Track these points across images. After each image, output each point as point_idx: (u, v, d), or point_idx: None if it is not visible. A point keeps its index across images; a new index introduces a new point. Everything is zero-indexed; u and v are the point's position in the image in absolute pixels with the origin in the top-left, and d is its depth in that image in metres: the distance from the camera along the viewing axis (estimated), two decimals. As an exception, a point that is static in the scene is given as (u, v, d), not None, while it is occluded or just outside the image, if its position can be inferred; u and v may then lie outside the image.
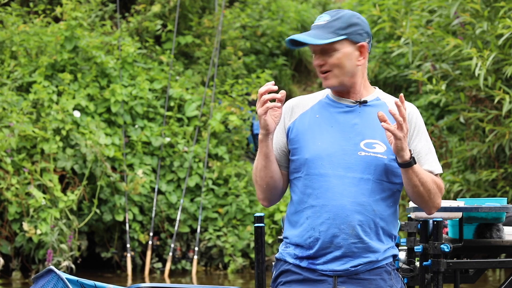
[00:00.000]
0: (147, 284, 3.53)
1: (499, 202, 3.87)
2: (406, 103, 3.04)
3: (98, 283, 3.40)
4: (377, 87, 3.29)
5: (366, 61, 3.17)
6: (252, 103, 10.86)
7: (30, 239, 8.65)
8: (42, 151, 8.94)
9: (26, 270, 8.95)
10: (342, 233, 3.01)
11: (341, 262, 3.03)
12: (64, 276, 3.33)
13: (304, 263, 3.08)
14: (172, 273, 9.34)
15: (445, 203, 3.71)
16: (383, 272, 3.06)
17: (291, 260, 3.11)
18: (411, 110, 3.10)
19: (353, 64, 3.12)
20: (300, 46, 3.11)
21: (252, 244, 9.30)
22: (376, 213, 3.03)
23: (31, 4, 11.26)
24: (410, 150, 2.96)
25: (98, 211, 9.17)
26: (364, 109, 3.17)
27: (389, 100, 3.19)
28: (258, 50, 12.87)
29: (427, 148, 3.08)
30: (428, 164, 3.06)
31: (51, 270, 3.36)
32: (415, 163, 2.96)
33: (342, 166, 3.03)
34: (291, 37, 3.09)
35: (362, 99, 3.19)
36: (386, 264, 3.08)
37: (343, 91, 3.18)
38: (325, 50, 3.08)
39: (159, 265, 9.44)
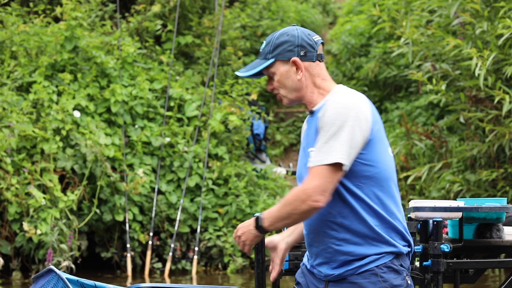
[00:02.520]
0: (147, 284, 3.53)
1: (499, 202, 3.87)
2: (330, 101, 3.06)
3: (98, 283, 3.40)
4: (335, 88, 3.21)
5: (307, 72, 3.20)
6: (252, 103, 10.86)
7: (30, 239, 8.65)
8: (42, 151, 8.94)
9: (26, 270, 8.95)
10: (314, 242, 3.16)
11: (326, 267, 3.13)
12: (64, 276, 3.33)
13: (308, 265, 3.28)
14: (172, 273, 9.34)
15: (445, 203, 3.71)
16: (371, 276, 3.08)
17: (304, 260, 3.35)
18: (325, 109, 3.06)
19: (294, 80, 3.19)
20: (255, 76, 3.28)
21: (252, 244, 9.29)
22: (334, 215, 3.08)
23: (31, 4, 11.27)
24: (257, 220, 3.12)
25: (98, 211, 9.17)
26: (312, 119, 3.20)
27: (325, 108, 3.11)
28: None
29: (317, 145, 3.03)
30: (310, 162, 3.05)
31: (51, 270, 3.36)
32: (264, 224, 3.12)
33: (300, 179, 3.18)
34: (236, 73, 3.31)
35: (313, 109, 3.21)
36: (376, 266, 3.08)
37: (304, 104, 3.26)
38: (268, 75, 3.23)
39: (159, 265, 9.44)
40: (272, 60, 3.21)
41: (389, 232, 3.11)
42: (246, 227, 3.18)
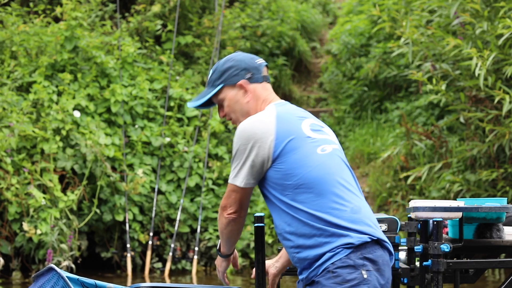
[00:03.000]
0: (148, 283, 3.54)
1: (499, 202, 3.87)
2: (239, 124, 3.27)
3: (98, 282, 3.41)
4: (273, 103, 3.37)
5: (254, 94, 3.35)
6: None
7: (30, 239, 8.65)
8: (42, 151, 8.94)
9: (26, 270, 8.95)
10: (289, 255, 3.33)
11: (301, 274, 3.27)
12: (65, 274, 3.33)
13: None
14: (172, 273, 9.34)
15: (445, 203, 3.71)
16: (327, 273, 3.13)
17: None
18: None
19: (242, 104, 3.35)
20: (206, 106, 3.46)
21: (252, 244, 9.30)
22: (282, 226, 3.24)
23: (31, 4, 11.27)
24: (218, 251, 3.57)
25: (98, 211, 9.17)
26: None
27: None
28: (258, 50, 12.87)
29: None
30: None
31: (51, 269, 3.36)
32: (220, 248, 3.55)
33: None
34: (187, 104, 3.55)
35: None
36: (331, 263, 3.12)
37: None
38: (218, 103, 3.39)
39: (159, 265, 9.44)
40: (220, 86, 3.35)
41: (334, 227, 3.14)
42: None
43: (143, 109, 9.93)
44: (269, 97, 3.37)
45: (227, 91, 3.36)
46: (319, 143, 3.24)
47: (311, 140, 3.23)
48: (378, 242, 3.16)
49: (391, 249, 3.22)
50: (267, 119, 3.22)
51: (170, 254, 9.36)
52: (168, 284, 3.52)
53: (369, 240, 3.12)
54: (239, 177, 3.24)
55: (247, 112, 3.34)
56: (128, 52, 10.19)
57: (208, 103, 3.42)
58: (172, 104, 10.17)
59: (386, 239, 3.20)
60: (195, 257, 9.36)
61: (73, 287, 3.35)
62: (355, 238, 3.11)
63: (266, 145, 3.19)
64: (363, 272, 3.10)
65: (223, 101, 3.37)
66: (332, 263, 3.11)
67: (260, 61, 3.41)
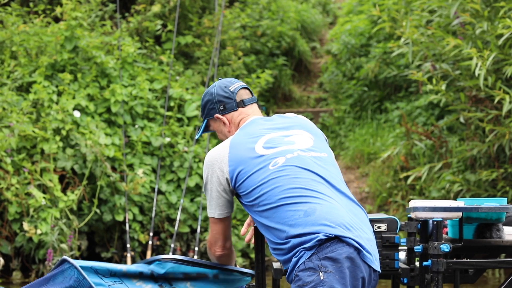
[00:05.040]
0: (168, 255, 3.60)
1: (499, 202, 3.87)
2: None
3: (111, 266, 3.42)
4: (240, 127, 3.60)
5: (232, 123, 3.58)
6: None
7: (30, 239, 8.65)
8: (42, 151, 8.94)
9: (26, 270, 8.95)
10: None
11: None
12: (78, 264, 3.36)
13: None
14: (172, 273, 9.34)
15: (445, 203, 3.71)
16: (295, 276, 3.21)
17: None
18: None
19: (225, 133, 3.62)
20: (208, 131, 3.73)
21: (252, 244, 9.29)
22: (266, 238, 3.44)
23: (31, 4, 11.27)
24: None
25: (98, 211, 9.17)
26: None
27: None
28: (258, 50, 12.87)
29: None
30: None
31: (64, 260, 3.39)
32: None
33: None
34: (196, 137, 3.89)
35: None
36: (297, 267, 3.19)
37: None
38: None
39: (159, 265, 9.43)
40: (205, 121, 3.64)
41: (292, 237, 3.21)
42: None
43: (143, 109, 9.94)
44: (243, 120, 3.55)
45: (212, 123, 3.64)
46: (270, 159, 3.35)
47: (263, 159, 3.35)
48: (341, 240, 3.15)
49: (359, 246, 3.19)
50: (221, 150, 3.42)
51: (170, 254, 9.36)
52: (186, 257, 3.56)
53: (324, 237, 3.12)
54: (211, 208, 3.46)
55: None
56: (128, 52, 10.19)
57: (210, 130, 3.70)
58: (172, 104, 10.17)
59: (350, 236, 3.17)
60: (195, 257, 9.37)
61: (86, 276, 3.36)
62: (311, 241, 3.15)
63: (222, 173, 3.39)
64: (321, 274, 3.12)
65: (215, 131, 3.66)
66: (297, 267, 3.18)
67: (234, 86, 3.58)
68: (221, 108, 3.56)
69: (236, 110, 3.56)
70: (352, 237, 3.16)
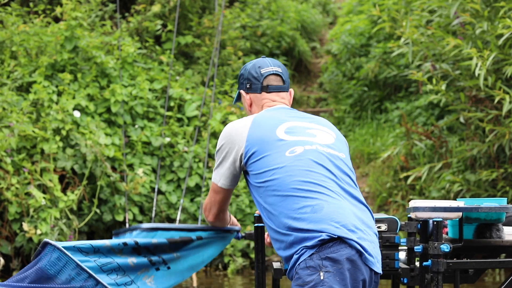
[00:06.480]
0: (148, 224, 3.60)
1: (499, 202, 3.87)
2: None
3: (94, 243, 3.42)
4: (264, 109, 3.62)
5: (254, 102, 3.62)
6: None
7: (30, 239, 8.65)
8: (42, 151, 8.94)
9: (26, 270, 8.95)
10: None
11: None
12: (60, 245, 3.36)
13: None
14: (172, 273, 9.33)
15: (445, 203, 3.71)
16: (295, 273, 3.18)
17: None
18: None
19: (246, 109, 3.69)
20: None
21: (252, 244, 9.30)
22: (266, 227, 3.40)
23: (31, 4, 11.26)
24: None
25: (98, 211, 9.17)
26: None
27: None
28: (258, 50, 12.87)
29: None
30: None
31: (46, 243, 3.39)
32: None
33: None
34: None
35: None
36: (298, 264, 3.16)
37: None
38: None
39: (159, 265, 9.44)
40: (238, 91, 3.71)
41: (295, 231, 3.17)
42: None
43: (143, 109, 9.93)
44: (267, 105, 3.58)
45: (242, 95, 3.68)
46: (289, 146, 3.32)
47: (282, 143, 3.34)
48: (343, 241, 3.13)
49: (361, 248, 3.16)
50: (243, 124, 3.43)
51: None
52: (165, 224, 3.56)
53: (327, 238, 3.10)
54: (217, 175, 3.47)
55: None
56: (128, 52, 10.19)
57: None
58: (172, 104, 10.17)
59: (353, 238, 3.14)
60: (195, 257, 9.35)
61: (70, 254, 3.36)
62: (314, 239, 3.12)
63: (238, 147, 3.39)
64: (321, 273, 3.09)
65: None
66: (298, 264, 3.15)
67: (266, 70, 3.58)
68: (247, 86, 3.59)
69: (260, 93, 3.57)
70: (355, 239, 3.14)
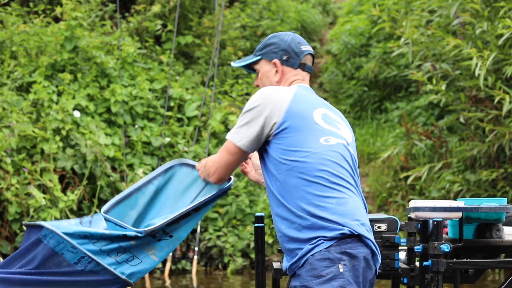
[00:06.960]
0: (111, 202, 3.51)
1: (499, 202, 3.87)
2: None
3: (92, 231, 3.37)
4: (299, 84, 3.43)
5: (285, 76, 3.43)
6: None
7: (30, 239, 8.64)
8: (42, 151, 8.94)
9: (26, 270, 8.95)
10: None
11: (285, 258, 3.25)
12: (59, 230, 3.31)
13: None
14: (172, 273, 9.34)
15: (445, 203, 3.71)
16: (307, 264, 3.11)
17: None
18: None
19: (271, 81, 3.43)
20: (248, 70, 3.54)
21: (252, 244, 9.30)
22: (273, 207, 3.25)
23: (31, 4, 11.27)
24: None
25: (98, 211, 9.16)
26: None
27: None
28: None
29: None
30: None
31: (41, 226, 3.35)
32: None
33: None
34: (231, 63, 3.59)
35: None
36: (311, 255, 3.10)
37: None
38: (256, 72, 3.48)
39: (159, 264, 9.44)
40: (258, 58, 3.45)
41: (315, 217, 3.12)
42: None
43: (143, 109, 9.93)
44: (297, 82, 3.43)
45: (263, 64, 3.44)
46: (324, 133, 3.25)
47: (318, 127, 3.25)
48: (361, 239, 3.12)
49: (375, 249, 3.16)
50: (286, 93, 3.27)
51: (170, 254, 9.36)
52: (164, 219, 3.45)
53: (348, 233, 3.09)
54: (238, 133, 3.27)
55: None
56: (128, 52, 10.19)
57: (250, 68, 3.52)
58: (172, 104, 10.17)
59: (370, 238, 3.15)
60: (195, 257, 9.36)
61: (69, 238, 3.32)
62: (334, 231, 3.09)
63: (274, 114, 3.22)
64: (340, 266, 3.07)
65: (259, 72, 3.46)
66: (312, 255, 3.09)
67: (305, 48, 3.47)
68: (284, 58, 3.42)
69: (295, 69, 3.44)
70: (371, 239, 3.16)
